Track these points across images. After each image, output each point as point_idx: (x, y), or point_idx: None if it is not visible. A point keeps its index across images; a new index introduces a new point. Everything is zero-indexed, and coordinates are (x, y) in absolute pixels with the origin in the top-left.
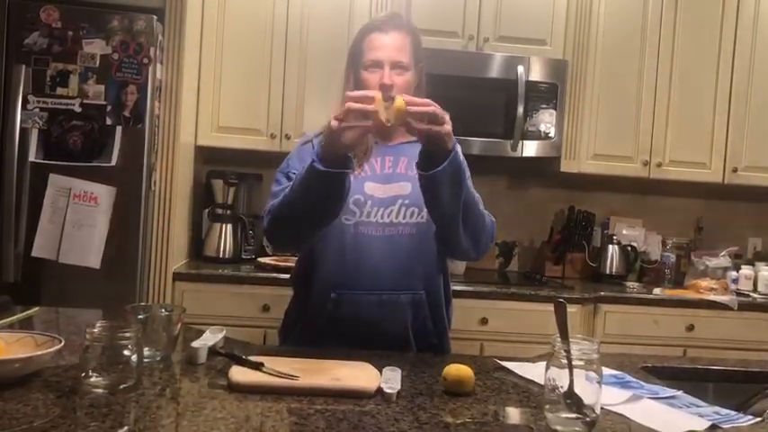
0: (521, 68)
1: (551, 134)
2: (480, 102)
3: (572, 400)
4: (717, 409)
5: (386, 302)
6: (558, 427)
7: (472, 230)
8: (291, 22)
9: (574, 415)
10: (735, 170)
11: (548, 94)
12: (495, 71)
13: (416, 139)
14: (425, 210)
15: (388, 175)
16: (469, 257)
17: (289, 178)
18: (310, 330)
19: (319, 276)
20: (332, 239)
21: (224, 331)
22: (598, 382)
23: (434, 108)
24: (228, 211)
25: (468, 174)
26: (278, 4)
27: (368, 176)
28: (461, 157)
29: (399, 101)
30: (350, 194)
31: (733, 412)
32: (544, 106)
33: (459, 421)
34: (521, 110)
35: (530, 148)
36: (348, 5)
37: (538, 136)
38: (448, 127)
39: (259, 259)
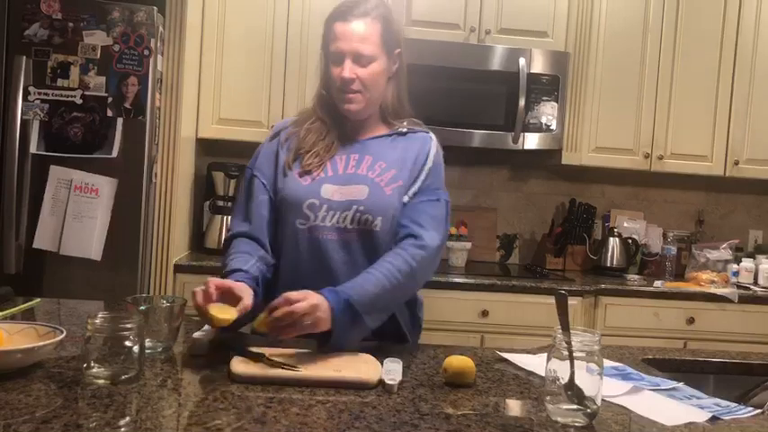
0: (522, 61)
1: (552, 126)
2: (482, 94)
3: (573, 391)
4: (717, 400)
5: None
6: (559, 419)
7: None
8: (293, 13)
9: (575, 406)
10: (736, 163)
11: (549, 87)
12: (496, 63)
13: (387, 134)
14: (379, 218)
15: (348, 175)
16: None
17: (252, 184)
18: None
19: (279, 284)
20: (287, 246)
21: None
22: (599, 374)
23: (292, 310)
24: (229, 204)
25: (380, 285)
26: None
27: (328, 177)
28: (359, 299)
29: (260, 318)
30: (305, 198)
31: (733, 404)
32: (545, 98)
33: (460, 412)
34: (522, 102)
35: (531, 141)
36: None
37: (539, 128)
38: (308, 321)
39: None
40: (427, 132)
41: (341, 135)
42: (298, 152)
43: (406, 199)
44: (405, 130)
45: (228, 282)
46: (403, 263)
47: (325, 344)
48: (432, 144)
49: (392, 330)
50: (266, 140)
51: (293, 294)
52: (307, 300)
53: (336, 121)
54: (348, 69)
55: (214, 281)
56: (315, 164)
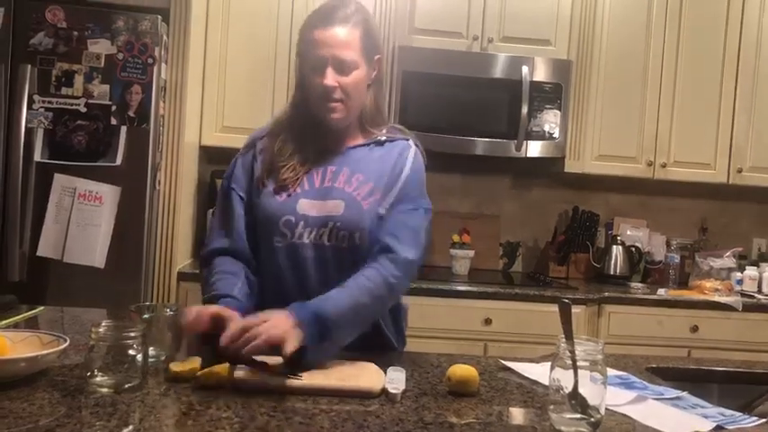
0: (525, 69)
1: (555, 134)
2: (484, 102)
3: (576, 400)
4: (721, 410)
5: None
6: (563, 428)
7: (387, 306)
8: (296, 22)
9: (578, 415)
10: (739, 171)
11: (552, 95)
12: (499, 71)
13: (365, 143)
14: (357, 233)
15: (326, 189)
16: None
17: (230, 198)
18: None
19: (262, 301)
20: (267, 264)
21: None
22: (602, 383)
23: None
24: None
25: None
26: (282, 4)
27: (304, 192)
28: (327, 317)
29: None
30: (281, 214)
31: (738, 413)
32: (548, 106)
33: (463, 422)
34: (525, 110)
35: (534, 149)
36: None
37: (542, 136)
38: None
39: None
40: (407, 139)
41: (317, 146)
42: (272, 166)
43: (382, 211)
44: (383, 138)
45: (219, 309)
46: (378, 277)
47: (295, 363)
48: (410, 152)
49: (376, 339)
50: (241, 151)
51: (250, 321)
52: (269, 320)
53: (313, 131)
54: (330, 77)
55: (208, 311)
56: (291, 178)
